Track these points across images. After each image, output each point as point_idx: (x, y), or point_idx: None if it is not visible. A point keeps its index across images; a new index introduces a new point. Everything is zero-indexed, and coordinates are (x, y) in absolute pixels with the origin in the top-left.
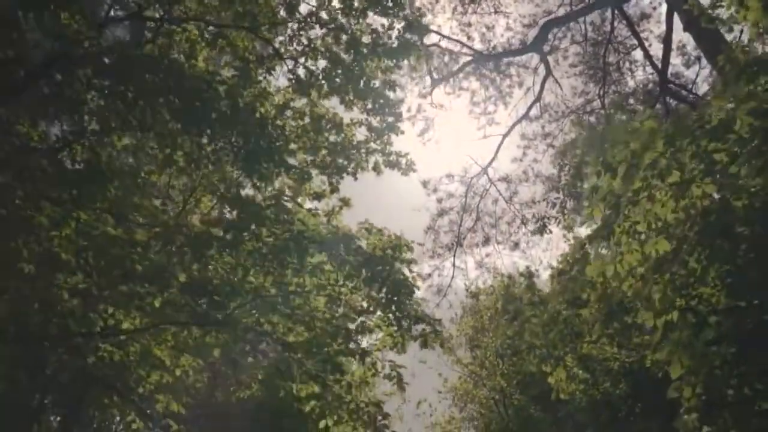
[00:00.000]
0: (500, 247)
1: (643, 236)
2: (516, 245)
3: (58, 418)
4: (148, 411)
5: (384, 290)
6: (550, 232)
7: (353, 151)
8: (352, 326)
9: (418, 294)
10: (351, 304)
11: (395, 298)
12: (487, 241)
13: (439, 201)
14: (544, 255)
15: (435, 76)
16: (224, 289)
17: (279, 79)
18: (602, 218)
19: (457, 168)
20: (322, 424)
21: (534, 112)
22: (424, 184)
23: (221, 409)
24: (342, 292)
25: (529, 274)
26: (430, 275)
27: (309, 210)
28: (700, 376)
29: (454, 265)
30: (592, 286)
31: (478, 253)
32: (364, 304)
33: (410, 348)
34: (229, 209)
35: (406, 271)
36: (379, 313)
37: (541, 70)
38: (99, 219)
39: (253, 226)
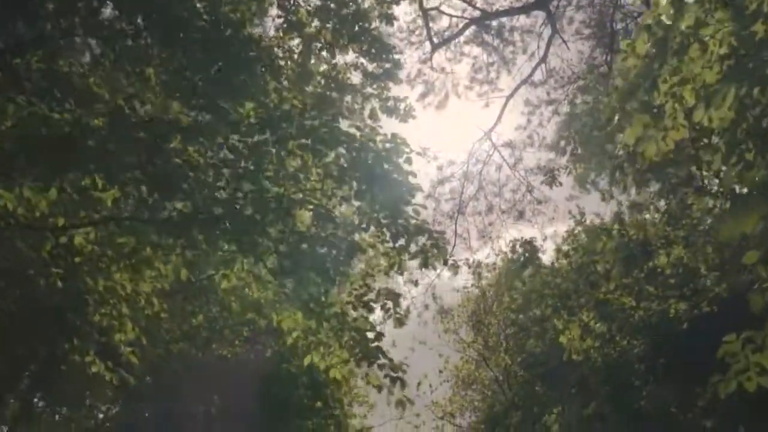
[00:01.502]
0: (504, 216)
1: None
2: (520, 214)
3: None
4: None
5: (379, 196)
6: (560, 184)
7: (348, 94)
8: (342, 247)
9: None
10: (341, 219)
11: (396, 216)
12: (490, 209)
13: (440, 168)
14: (550, 224)
15: (435, 40)
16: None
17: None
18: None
19: (458, 135)
20: (307, 360)
21: (539, 77)
22: (424, 150)
23: (197, 366)
24: (330, 204)
25: (533, 249)
26: None
27: None
28: None
29: (456, 233)
30: (608, 234)
31: (481, 221)
32: (355, 219)
33: (409, 326)
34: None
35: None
36: (372, 229)
37: (546, 32)
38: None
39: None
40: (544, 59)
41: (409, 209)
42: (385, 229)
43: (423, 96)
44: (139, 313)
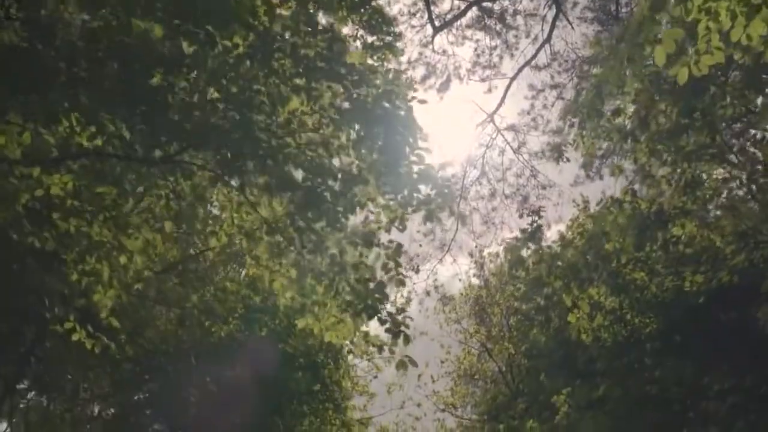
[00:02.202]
0: (508, 202)
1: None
2: (524, 200)
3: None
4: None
5: (379, 141)
6: (567, 160)
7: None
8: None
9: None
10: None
11: (398, 163)
12: (493, 194)
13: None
14: (554, 210)
15: (436, 23)
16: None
17: None
18: None
19: (460, 121)
20: (301, 323)
21: (543, 60)
22: (425, 136)
23: (190, 349)
24: (329, 151)
25: (538, 229)
26: (432, 231)
27: None
28: None
29: (458, 217)
30: (619, 205)
31: (484, 207)
32: (354, 170)
33: (410, 316)
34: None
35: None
36: (372, 181)
37: (550, 15)
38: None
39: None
40: (548, 40)
41: (413, 157)
42: (387, 180)
43: (424, 79)
44: (120, 270)
